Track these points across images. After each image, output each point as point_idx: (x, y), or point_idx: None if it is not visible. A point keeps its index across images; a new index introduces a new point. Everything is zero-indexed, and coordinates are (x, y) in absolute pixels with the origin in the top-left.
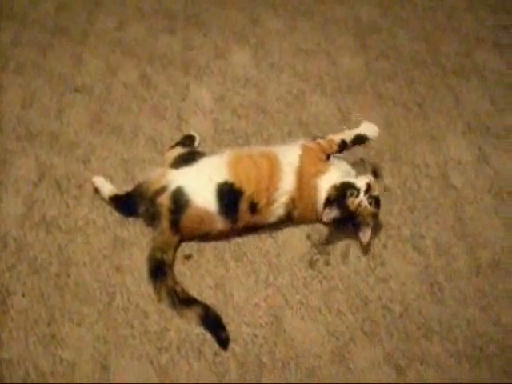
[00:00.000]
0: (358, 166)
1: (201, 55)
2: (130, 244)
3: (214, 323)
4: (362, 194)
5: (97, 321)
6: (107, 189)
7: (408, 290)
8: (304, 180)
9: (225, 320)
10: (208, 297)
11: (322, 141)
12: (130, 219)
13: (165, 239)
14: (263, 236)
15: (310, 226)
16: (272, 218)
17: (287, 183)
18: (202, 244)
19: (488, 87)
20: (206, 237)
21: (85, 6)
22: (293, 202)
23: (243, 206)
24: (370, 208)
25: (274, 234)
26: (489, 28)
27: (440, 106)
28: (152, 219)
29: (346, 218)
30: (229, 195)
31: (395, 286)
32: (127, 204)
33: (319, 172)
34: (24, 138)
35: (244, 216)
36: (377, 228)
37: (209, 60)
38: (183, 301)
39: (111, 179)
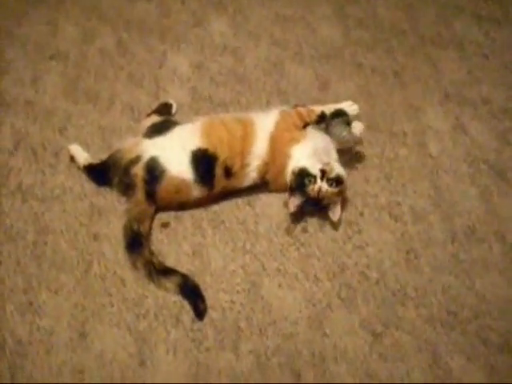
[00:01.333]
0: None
1: (178, 22)
2: (107, 212)
3: (192, 293)
4: (318, 181)
5: (74, 289)
6: (82, 157)
7: (384, 256)
8: (277, 146)
9: (202, 287)
10: (185, 264)
11: (301, 109)
12: (107, 188)
13: (140, 210)
14: (241, 204)
15: (288, 194)
16: (246, 182)
17: (260, 147)
18: (180, 212)
19: (466, 57)
20: (182, 206)
21: None
22: (266, 166)
23: (218, 171)
24: (332, 189)
25: (251, 203)
26: None
27: (418, 75)
28: (126, 189)
29: (312, 202)
30: (203, 162)
31: (372, 253)
32: (101, 173)
33: (294, 140)
34: None
35: (220, 181)
36: (353, 196)
37: (186, 27)
38: (160, 271)
39: (88, 147)
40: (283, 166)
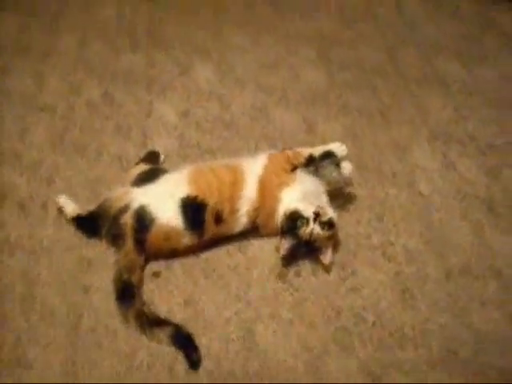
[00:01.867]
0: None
1: (164, 72)
2: (97, 263)
3: (185, 343)
4: (311, 223)
5: (64, 343)
6: (71, 208)
7: (380, 297)
8: (267, 190)
9: (196, 336)
10: (178, 313)
11: (289, 152)
12: (97, 239)
13: (130, 259)
14: (232, 251)
15: (279, 238)
16: (237, 228)
17: (249, 191)
18: (171, 261)
19: (450, 95)
20: (173, 253)
21: (45, 25)
22: (256, 211)
23: (208, 217)
24: (324, 232)
25: (243, 249)
26: (449, 37)
27: (404, 115)
28: (115, 239)
29: (303, 245)
30: (193, 209)
31: (367, 295)
32: (90, 224)
33: (283, 183)
34: None
35: (210, 227)
36: (346, 238)
37: (172, 76)
38: (152, 322)
39: (76, 199)
40: (273, 210)
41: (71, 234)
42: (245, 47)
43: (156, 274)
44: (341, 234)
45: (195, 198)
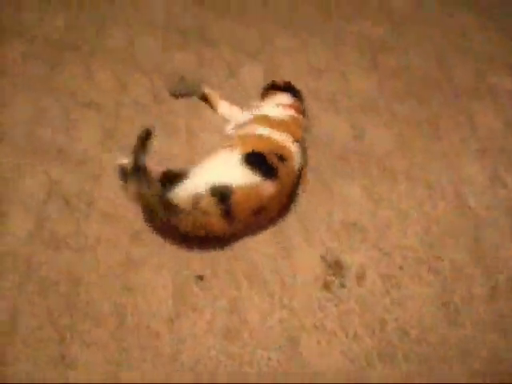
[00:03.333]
0: None
1: (213, 73)
2: (142, 263)
3: None
4: None
5: (107, 342)
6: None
7: (424, 312)
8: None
9: (239, 343)
10: (222, 318)
11: None
12: (142, 239)
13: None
14: (278, 256)
15: (325, 246)
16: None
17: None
18: (215, 264)
19: (501, 108)
20: (260, 213)
21: (94, 21)
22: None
23: (272, 160)
24: None
25: (287, 254)
26: (501, 49)
27: (453, 126)
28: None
29: None
30: (256, 159)
31: (412, 308)
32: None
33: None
34: (33, 153)
35: (280, 168)
36: (392, 250)
37: (221, 77)
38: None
39: (121, 197)
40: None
41: (117, 232)
42: (293, 49)
43: (200, 278)
44: (386, 245)
45: (251, 151)
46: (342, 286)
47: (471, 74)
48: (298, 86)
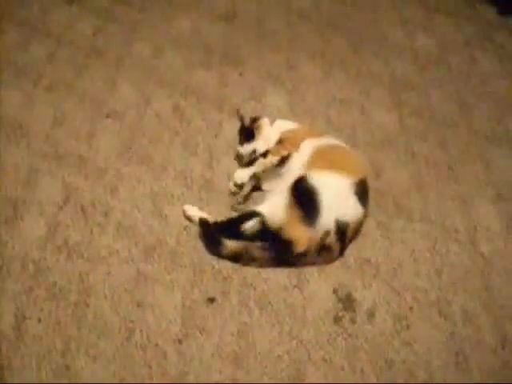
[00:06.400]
0: None
1: (235, 94)
2: (154, 280)
3: None
4: None
5: (113, 357)
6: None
7: (433, 356)
8: None
9: (246, 368)
10: (230, 343)
11: None
12: (155, 255)
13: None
14: (289, 286)
15: (338, 280)
16: None
17: None
18: (227, 288)
19: None
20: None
21: (121, 30)
22: None
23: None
24: None
25: (300, 286)
26: None
27: (471, 170)
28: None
29: None
30: (362, 188)
31: (420, 351)
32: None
33: None
34: (51, 157)
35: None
36: (403, 290)
37: (243, 99)
38: None
39: (138, 210)
40: None
41: (130, 245)
42: (317, 79)
43: (211, 300)
44: (398, 285)
45: (361, 179)
46: (353, 321)
47: (491, 118)
48: (320, 116)
